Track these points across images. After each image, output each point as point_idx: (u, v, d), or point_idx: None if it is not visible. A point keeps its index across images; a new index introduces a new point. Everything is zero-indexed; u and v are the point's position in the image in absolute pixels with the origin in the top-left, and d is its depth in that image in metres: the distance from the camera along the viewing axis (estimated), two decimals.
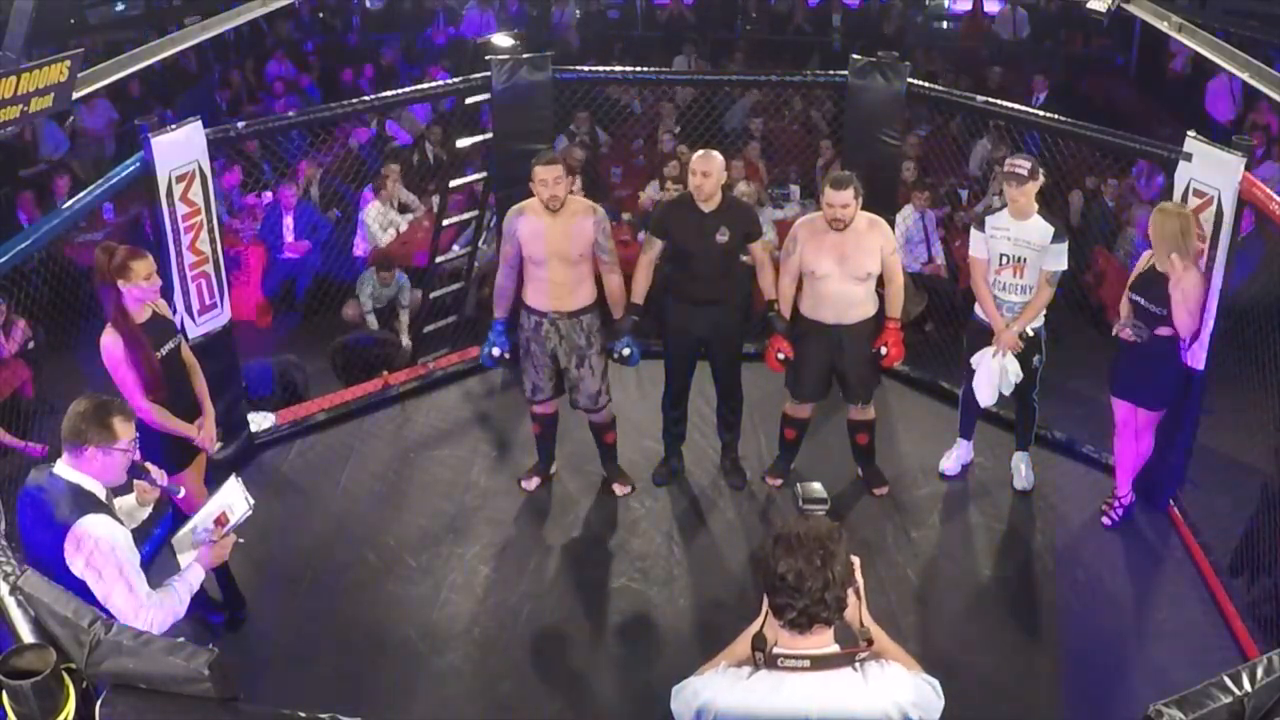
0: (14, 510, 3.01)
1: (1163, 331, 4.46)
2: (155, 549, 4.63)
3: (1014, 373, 4.73)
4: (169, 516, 4.50)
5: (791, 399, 4.96)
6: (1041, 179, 4.63)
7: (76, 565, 2.87)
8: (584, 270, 4.61)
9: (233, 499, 3.26)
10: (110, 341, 3.74)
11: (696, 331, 4.83)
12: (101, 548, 2.87)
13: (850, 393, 4.85)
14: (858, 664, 2.16)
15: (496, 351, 4.81)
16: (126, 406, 3.08)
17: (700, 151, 4.64)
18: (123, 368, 3.75)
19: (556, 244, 4.51)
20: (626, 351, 4.74)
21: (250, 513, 3.28)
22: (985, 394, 4.81)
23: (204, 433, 4.05)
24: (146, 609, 2.93)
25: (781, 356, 4.75)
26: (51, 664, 2.00)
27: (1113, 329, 4.62)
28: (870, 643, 2.21)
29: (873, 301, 4.72)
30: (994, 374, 4.75)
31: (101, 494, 3.02)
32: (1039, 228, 4.62)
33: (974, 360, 4.83)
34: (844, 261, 4.56)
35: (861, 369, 4.78)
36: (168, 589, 3.04)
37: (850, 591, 2.17)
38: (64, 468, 2.98)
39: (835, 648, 2.17)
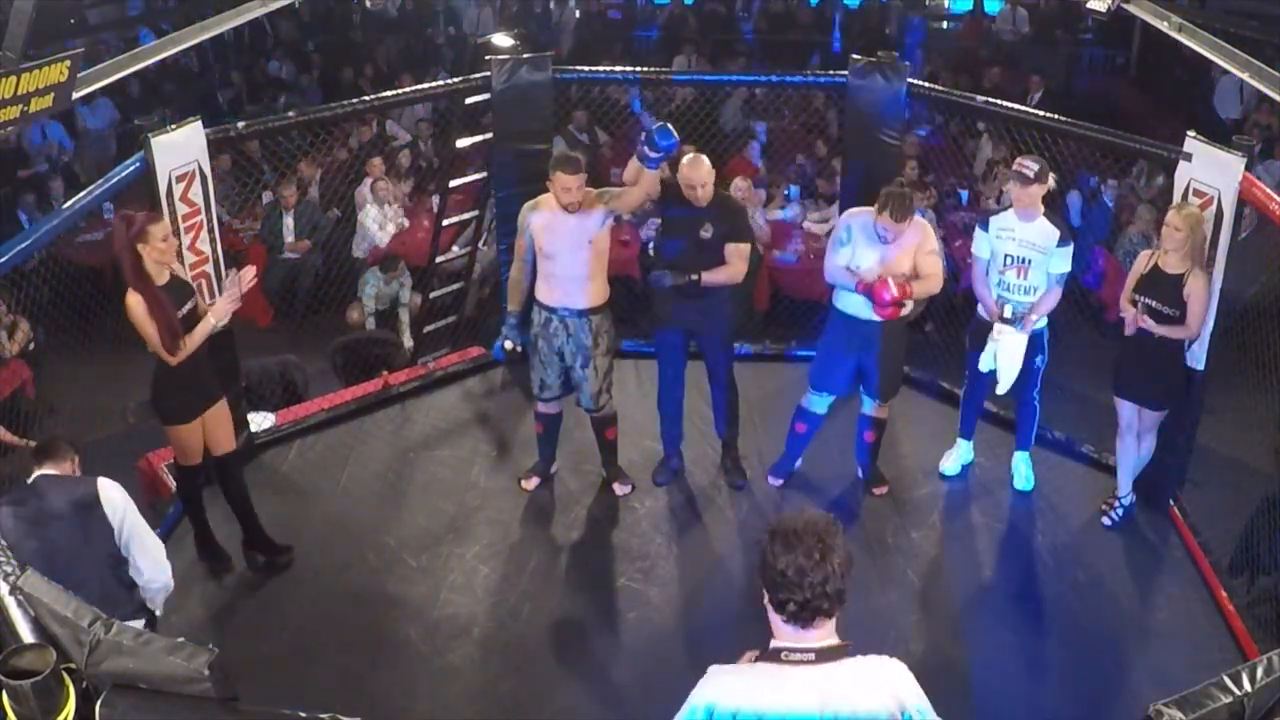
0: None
1: (1171, 333, 4.45)
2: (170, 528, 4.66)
3: (1015, 344, 4.65)
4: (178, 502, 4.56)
5: (811, 390, 4.93)
6: (1051, 184, 4.63)
7: (120, 514, 3.23)
8: (596, 266, 4.62)
9: None
10: (134, 302, 4.06)
11: (684, 322, 4.83)
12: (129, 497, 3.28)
13: (871, 388, 4.84)
14: (860, 655, 2.17)
15: (509, 345, 4.81)
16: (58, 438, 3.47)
17: (688, 158, 4.60)
18: (146, 324, 4.06)
19: (570, 236, 4.53)
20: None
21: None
22: (1003, 377, 4.73)
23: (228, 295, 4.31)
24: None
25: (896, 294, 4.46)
26: (51, 664, 2.00)
27: (1124, 329, 4.59)
28: None
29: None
30: (999, 353, 4.70)
31: None
32: (1044, 230, 4.60)
33: (979, 358, 4.82)
34: (886, 262, 4.54)
35: (888, 366, 4.78)
36: None
37: None
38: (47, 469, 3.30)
39: (836, 639, 2.18)
